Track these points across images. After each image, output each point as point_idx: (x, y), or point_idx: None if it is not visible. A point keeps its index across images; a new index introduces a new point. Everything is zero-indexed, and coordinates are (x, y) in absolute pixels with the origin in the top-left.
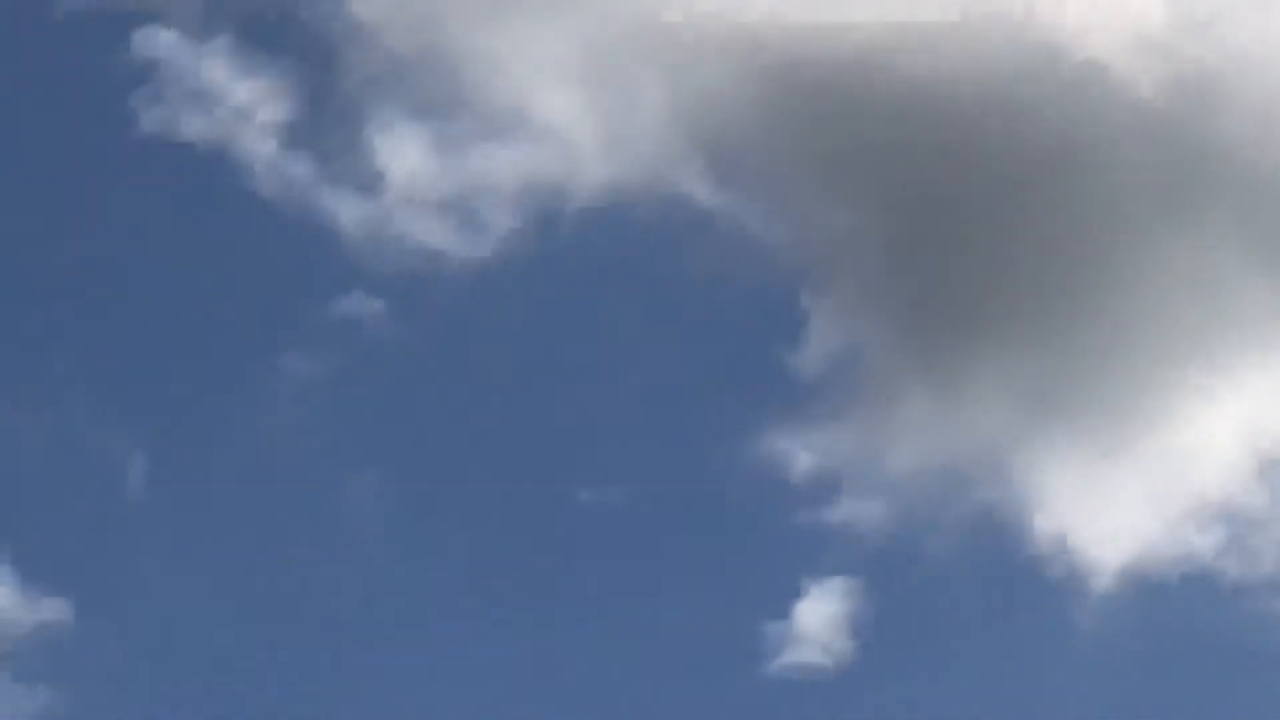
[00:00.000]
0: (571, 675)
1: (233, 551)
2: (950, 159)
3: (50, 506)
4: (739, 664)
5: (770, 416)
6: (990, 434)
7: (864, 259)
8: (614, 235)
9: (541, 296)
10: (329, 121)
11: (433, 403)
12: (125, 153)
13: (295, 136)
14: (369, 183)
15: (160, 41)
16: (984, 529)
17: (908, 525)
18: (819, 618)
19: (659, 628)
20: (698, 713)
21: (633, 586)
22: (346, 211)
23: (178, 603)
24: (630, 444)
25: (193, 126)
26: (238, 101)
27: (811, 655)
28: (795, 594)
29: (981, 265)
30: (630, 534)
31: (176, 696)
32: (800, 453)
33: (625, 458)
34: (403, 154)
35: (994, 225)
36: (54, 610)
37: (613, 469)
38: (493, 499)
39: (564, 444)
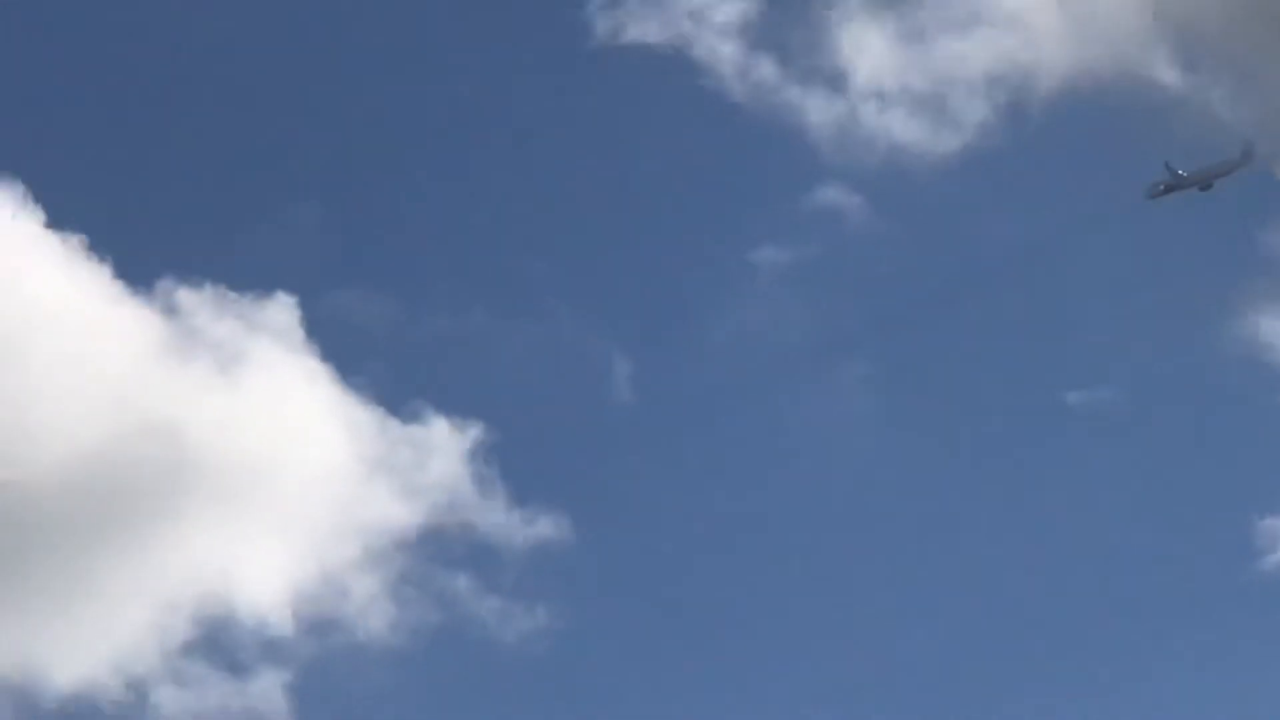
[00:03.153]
0: (1067, 572)
1: (716, 450)
2: None
3: (538, 417)
4: (1233, 561)
5: (1255, 298)
6: None
7: None
8: (1083, 123)
9: (1015, 186)
10: (789, 19)
11: (915, 295)
12: (586, 60)
13: (757, 36)
14: (834, 79)
15: None
16: None
17: None
18: None
19: (1151, 528)
20: (1192, 610)
21: (1122, 487)
22: (814, 109)
23: (671, 510)
24: (1114, 338)
25: (651, 30)
26: (695, 4)
27: None
28: None
29: None
30: (1120, 435)
31: (677, 608)
32: None
33: (1110, 355)
34: (867, 49)
35: None
36: (551, 527)
37: (1100, 369)
38: (982, 395)
39: (1051, 342)
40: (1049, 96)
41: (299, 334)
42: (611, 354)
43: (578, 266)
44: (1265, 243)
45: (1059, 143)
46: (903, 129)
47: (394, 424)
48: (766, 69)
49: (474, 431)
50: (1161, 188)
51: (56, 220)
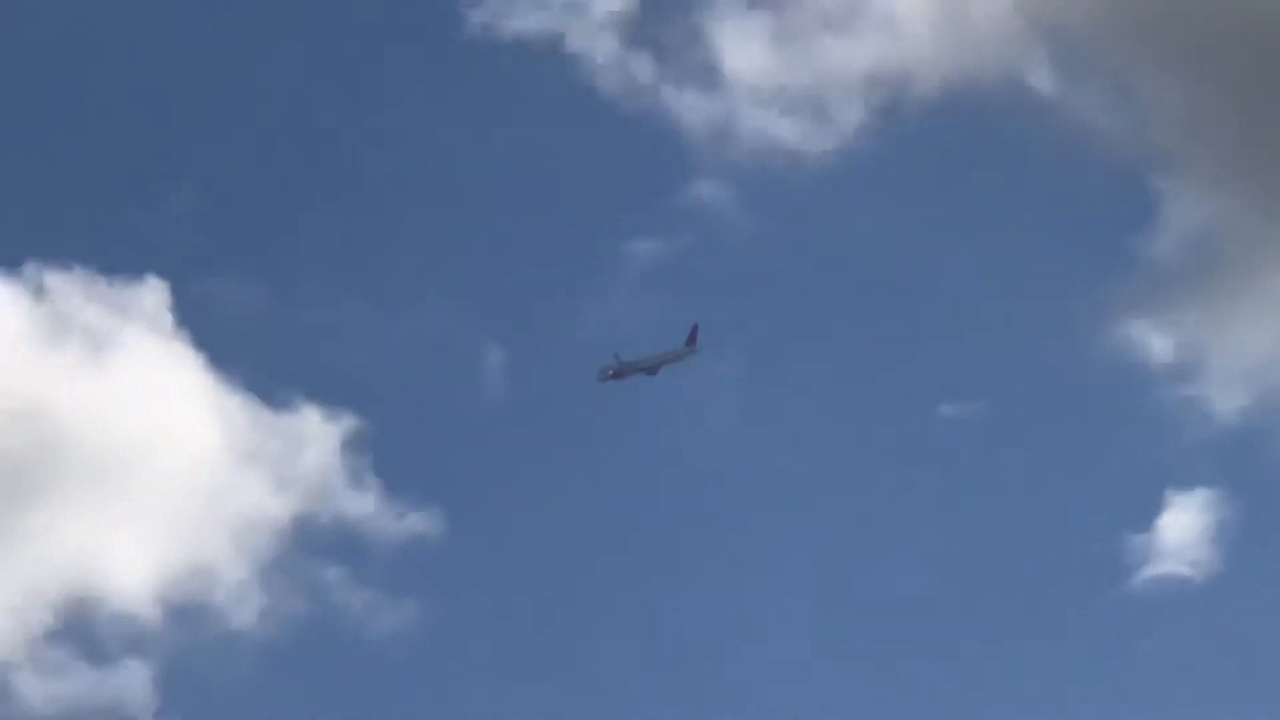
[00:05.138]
0: (932, 586)
1: (587, 442)
2: None
3: (411, 409)
4: (1103, 579)
5: (1126, 303)
6: None
7: (1217, 138)
8: (958, 126)
9: (888, 189)
10: (667, 16)
11: (787, 294)
12: (460, 52)
13: (634, 32)
14: (710, 77)
15: None
16: None
17: (1271, 406)
18: (1183, 530)
19: (1019, 545)
20: (1062, 628)
21: (993, 503)
22: (689, 106)
23: (543, 503)
24: (987, 348)
25: (527, 23)
26: None
27: (1176, 567)
28: (1158, 507)
29: None
30: (992, 448)
31: (548, 606)
32: (1157, 338)
33: (983, 366)
34: (744, 48)
35: None
36: (422, 520)
37: (972, 380)
38: (853, 399)
39: (924, 349)
40: (925, 99)
41: (169, 320)
42: (485, 345)
43: (452, 258)
44: (1134, 247)
45: (935, 146)
46: (778, 128)
47: (266, 413)
48: (643, 65)
49: (347, 422)
50: (610, 373)
51: None
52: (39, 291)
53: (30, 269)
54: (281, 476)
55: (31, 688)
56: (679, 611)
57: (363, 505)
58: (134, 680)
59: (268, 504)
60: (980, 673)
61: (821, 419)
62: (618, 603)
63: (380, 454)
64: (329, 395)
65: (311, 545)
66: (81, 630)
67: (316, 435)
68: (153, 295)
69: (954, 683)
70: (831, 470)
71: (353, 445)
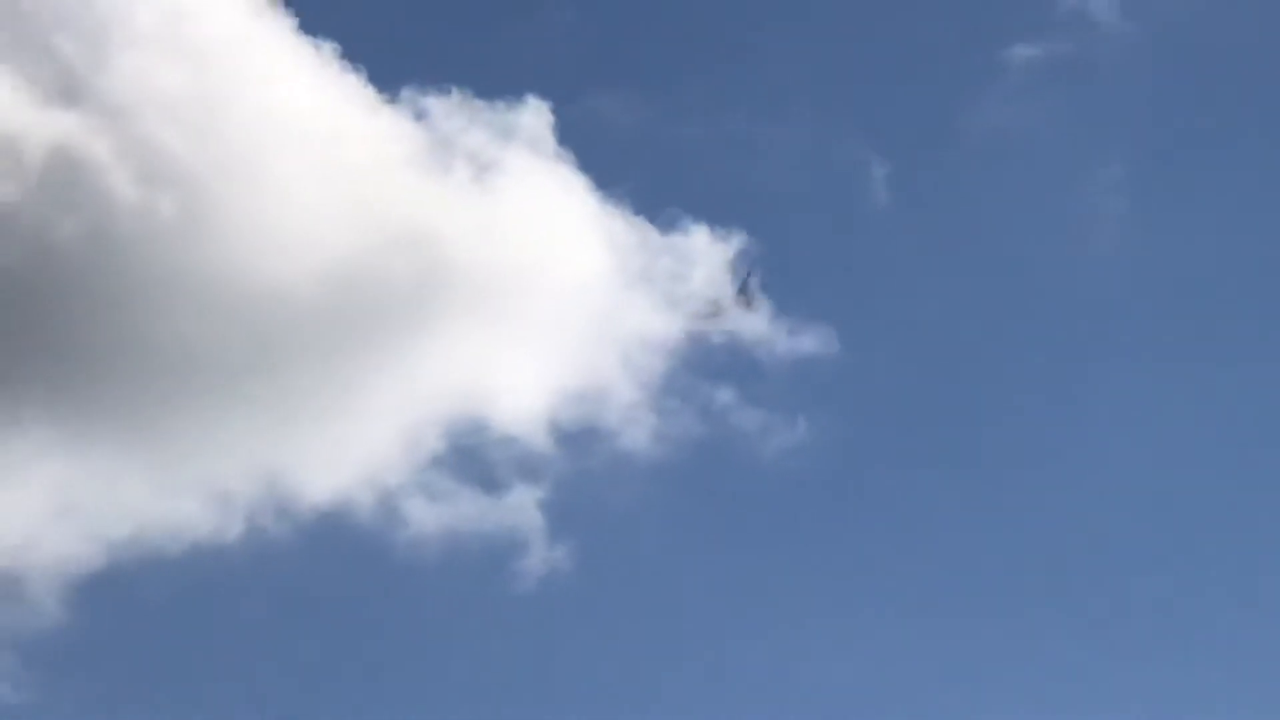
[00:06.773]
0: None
1: (976, 254)
2: None
3: (799, 224)
4: None
5: None
6: None
7: None
8: None
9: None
10: None
11: (1170, 102)
12: None
13: None
14: None
15: None
16: None
17: None
18: None
19: None
20: None
21: None
22: None
23: (933, 316)
24: None
25: None
26: None
27: None
28: None
29: None
30: None
31: (942, 422)
32: None
33: None
34: None
35: None
36: (815, 340)
37: None
38: (1241, 211)
39: None
40: None
41: (551, 141)
42: (867, 158)
43: (830, 69)
44: None
45: None
46: None
47: (652, 233)
48: None
49: (735, 240)
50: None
51: (309, 26)
52: (419, 116)
53: (408, 94)
54: (671, 296)
55: (422, 512)
56: (1071, 416)
57: (753, 324)
58: (524, 504)
59: (658, 324)
60: None
61: (1210, 231)
62: (1011, 410)
63: (769, 271)
64: (715, 213)
65: (702, 365)
66: (471, 455)
67: (705, 254)
68: (533, 116)
69: None
70: (1220, 286)
71: (742, 263)
